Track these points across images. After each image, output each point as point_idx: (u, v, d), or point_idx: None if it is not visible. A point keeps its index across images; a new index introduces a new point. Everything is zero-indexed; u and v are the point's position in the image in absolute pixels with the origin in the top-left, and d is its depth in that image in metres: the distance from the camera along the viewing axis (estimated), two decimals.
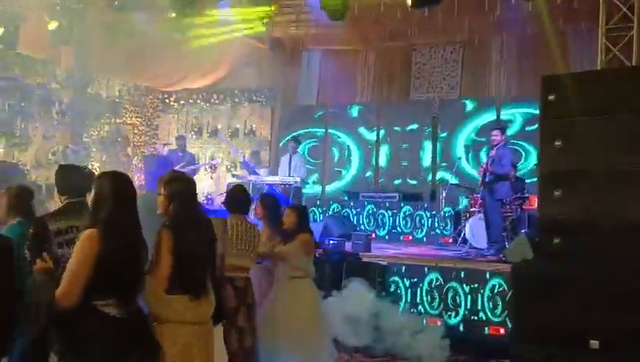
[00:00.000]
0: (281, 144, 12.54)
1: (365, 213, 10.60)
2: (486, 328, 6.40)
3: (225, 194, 4.70)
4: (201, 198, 8.35)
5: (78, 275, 2.76)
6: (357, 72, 12.95)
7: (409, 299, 6.81)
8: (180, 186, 3.29)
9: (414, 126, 11.85)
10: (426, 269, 6.90)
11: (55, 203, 4.37)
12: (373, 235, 9.91)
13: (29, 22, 8.76)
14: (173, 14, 7.49)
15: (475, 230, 8.58)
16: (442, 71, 12.24)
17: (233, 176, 11.79)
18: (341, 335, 5.58)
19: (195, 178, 10.17)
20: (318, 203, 11.12)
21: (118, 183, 2.98)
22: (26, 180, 7.19)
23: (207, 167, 12.47)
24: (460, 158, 10.49)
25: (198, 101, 13.53)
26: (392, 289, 6.89)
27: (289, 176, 9.76)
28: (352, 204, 10.84)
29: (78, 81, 9.59)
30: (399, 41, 12.06)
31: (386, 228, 10.43)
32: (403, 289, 6.88)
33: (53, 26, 8.22)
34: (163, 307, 3.05)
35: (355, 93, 13.01)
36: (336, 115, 12.54)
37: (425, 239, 10.09)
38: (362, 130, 12.31)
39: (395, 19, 10.38)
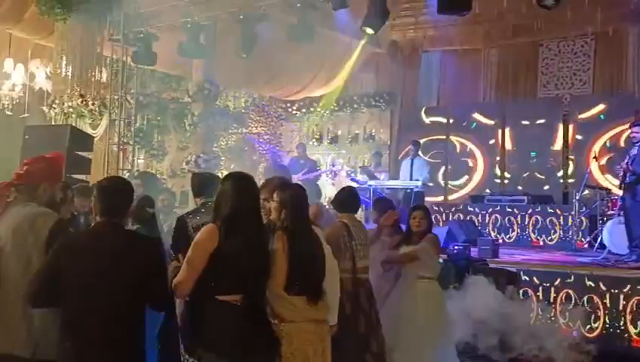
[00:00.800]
0: (400, 148, 12.47)
1: (491, 218, 10.19)
2: (629, 340, 5.91)
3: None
4: (325, 204, 8.48)
5: (193, 266, 2.93)
6: (479, 71, 12.59)
7: (541, 308, 6.43)
8: (293, 194, 3.40)
9: (542, 125, 11.26)
10: (559, 276, 6.50)
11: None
12: (500, 240, 9.50)
13: (163, 40, 9.39)
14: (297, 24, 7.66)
15: (614, 234, 8.00)
16: (572, 66, 11.55)
17: (353, 180, 11.88)
18: (467, 337, 5.42)
19: (319, 183, 10.44)
20: (440, 207, 10.87)
21: (240, 183, 3.12)
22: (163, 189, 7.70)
23: (328, 173, 12.67)
24: (594, 158, 9.79)
25: (319, 109, 13.79)
26: (522, 297, 6.56)
27: (410, 180, 9.64)
28: (476, 208, 10.45)
29: (207, 94, 10.14)
30: (524, 36, 11.57)
31: (514, 233, 9.96)
32: (534, 297, 6.52)
33: (184, 42, 8.72)
34: (284, 306, 3.17)
35: (477, 93, 12.66)
36: (458, 117, 12.23)
37: (557, 244, 9.51)
38: (486, 130, 11.89)
39: (520, 15, 9.95)
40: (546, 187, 11.03)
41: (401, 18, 11.18)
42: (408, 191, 9.33)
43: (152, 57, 9.10)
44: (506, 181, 11.61)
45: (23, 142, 8.51)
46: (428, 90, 13.00)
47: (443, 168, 12.22)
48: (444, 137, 12.34)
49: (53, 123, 11.89)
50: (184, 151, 12.80)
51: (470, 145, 12.03)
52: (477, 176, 11.90)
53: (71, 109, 10.16)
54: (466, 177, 12.00)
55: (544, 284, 6.54)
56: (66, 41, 9.38)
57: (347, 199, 4.52)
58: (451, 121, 12.28)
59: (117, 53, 9.66)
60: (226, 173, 12.73)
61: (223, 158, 13.01)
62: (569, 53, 11.60)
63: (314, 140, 13.86)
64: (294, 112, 14.23)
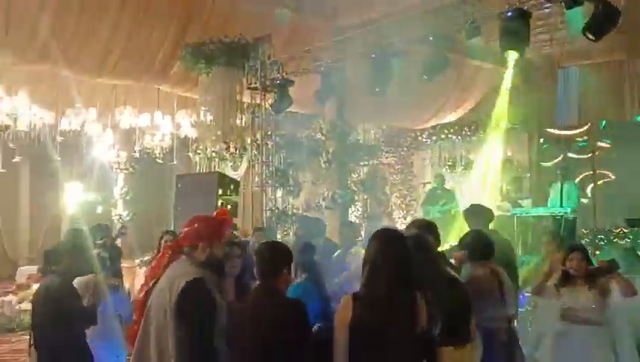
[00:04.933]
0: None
1: None
2: None
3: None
4: None
5: (335, 339, 2.88)
6: (623, 83, 11.70)
7: None
8: None
9: None
10: None
11: None
12: None
13: (296, 82, 9.72)
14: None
15: None
16: None
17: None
18: None
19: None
20: (594, 233, 10.07)
21: (382, 244, 3.00)
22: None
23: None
24: None
25: (450, 135, 13.52)
26: None
27: (560, 206, 9.06)
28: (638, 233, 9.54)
29: (340, 131, 10.36)
30: None
31: None
32: None
33: (318, 90, 8.96)
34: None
35: (623, 107, 11.75)
36: (605, 132, 11.39)
37: None
38: None
39: None
40: None
41: (535, 35, 10.69)
42: (558, 218, 8.77)
43: (289, 102, 9.44)
44: None
45: (176, 190, 9.14)
46: (568, 108, 12.29)
47: (592, 190, 11.35)
48: (589, 155, 11.51)
49: (197, 167, 12.70)
50: (317, 186, 13.12)
51: (624, 161, 11.05)
52: (634, 196, 10.88)
53: (214, 154, 10.79)
54: (622, 198, 11.02)
55: None
56: (209, 92, 9.98)
57: (485, 247, 4.16)
58: (597, 137, 11.42)
59: (255, 99, 10.14)
60: (359, 205, 12.82)
61: (354, 190, 13.17)
62: None
63: (446, 167, 13.59)
64: (424, 140, 14.07)
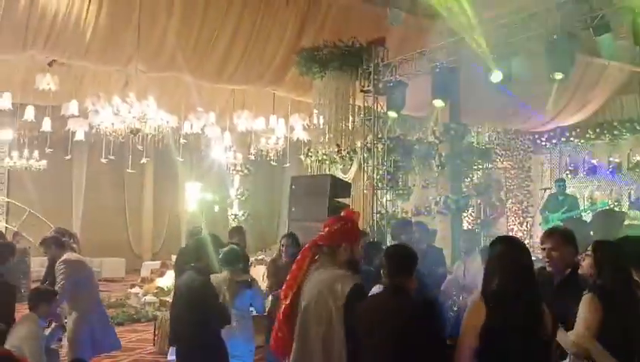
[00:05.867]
0: None
1: None
2: None
3: None
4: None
5: (462, 343, 2.77)
6: None
7: None
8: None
9: None
10: None
11: None
12: None
13: (411, 86, 9.61)
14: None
15: None
16: None
17: None
18: None
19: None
20: None
21: (509, 251, 2.86)
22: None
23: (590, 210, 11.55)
24: None
25: (572, 138, 12.78)
26: None
27: None
28: None
29: (454, 134, 10.09)
30: None
31: None
32: None
33: (430, 85, 8.79)
34: None
35: None
36: None
37: None
38: None
39: None
40: None
41: None
42: None
43: (403, 104, 9.37)
44: None
45: (290, 191, 9.34)
46: None
47: None
48: None
49: (309, 170, 12.94)
50: (427, 189, 12.90)
51: None
52: None
53: (325, 156, 10.91)
54: None
55: None
56: (322, 96, 10.14)
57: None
58: None
59: (368, 102, 10.15)
60: (471, 210, 12.45)
61: (470, 196, 12.80)
62: None
63: (567, 172, 12.86)
64: (544, 143, 13.40)
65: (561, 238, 3.51)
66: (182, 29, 9.04)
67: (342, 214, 3.77)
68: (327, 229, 3.47)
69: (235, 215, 15.35)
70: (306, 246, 3.57)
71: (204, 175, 15.68)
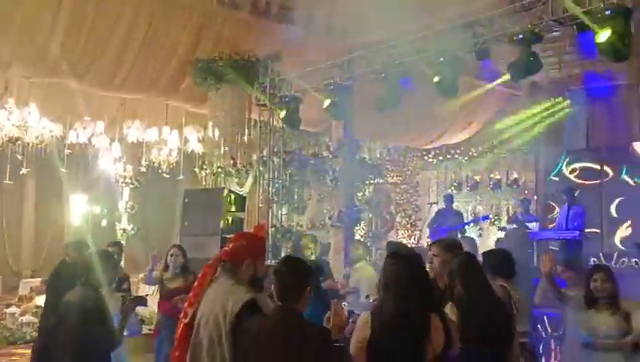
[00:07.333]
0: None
1: None
2: None
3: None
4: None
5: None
6: (633, 107, 11.68)
7: None
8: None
9: None
10: None
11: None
12: None
13: (306, 101, 9.75)
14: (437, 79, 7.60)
15: None
16: None
17: (500, 229, 11.39)
18: None
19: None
20: (600, 256, 10.03)
21: (398, 267, 2.93)
22: None
23: (474, 223, 12.27)
24: None
25: (456, 156, 13.52)
26: None
27: (566, 228, 9.05)
28: None
29: (347, 150, 10.36)
30: None
31: None
32: None
33: (326, 103, 8.96)
34: None
35: (632, 131, 11.73)
36: (612, 157, 11.39)
37: None
38: None
39: None
40: None
41: (543, 59, 10.73)
42: (565, 241, 8.75)
43: (298, 119, 9.46)
44: None
45: (183, 205, 9.12)
46: (575, 131, 12.27)
47: (600, 212, 11.33)
48: (597, 178, 11.52)
49: (203, 182, 12.70)
50: (322, 203, 13.10)
51: (630, 185, 11.08)
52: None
53: (220, 169, 10.77)
54: (629, 221, 11.02)
55: None
56: (218, 108, 10.01)
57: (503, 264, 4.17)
58: (606, 161, 11.45)
59: (264, 116, 10.15)
60: (363, 223, 12.79)
61: (362, 210, 13.15)
62: None
63: (452, 188, 13.57)
64: (431, 160, 14.07)
65: (444, 247, 3.83)
66: (69, 31, 8.52)
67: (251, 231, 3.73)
68: (231, 245, 3.38)
69: (124, 229, 14.70)
70: (209, 262, 3.46)
71: (91, 187, 14.91)
